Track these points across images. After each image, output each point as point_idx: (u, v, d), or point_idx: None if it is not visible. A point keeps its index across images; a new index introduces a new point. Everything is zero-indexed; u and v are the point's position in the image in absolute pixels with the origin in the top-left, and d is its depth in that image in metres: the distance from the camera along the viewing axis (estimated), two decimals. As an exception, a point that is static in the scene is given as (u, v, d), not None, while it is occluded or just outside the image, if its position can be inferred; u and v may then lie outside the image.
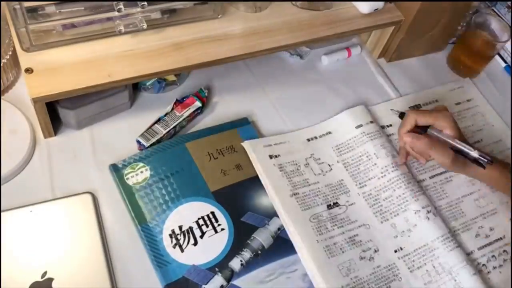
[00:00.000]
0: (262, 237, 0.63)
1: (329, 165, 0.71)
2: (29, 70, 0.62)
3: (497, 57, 0.93)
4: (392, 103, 0.81)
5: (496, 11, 0.92)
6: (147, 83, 0.73)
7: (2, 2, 0.64)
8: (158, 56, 0.67)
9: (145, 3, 0.65)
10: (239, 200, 0.65)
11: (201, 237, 0.62)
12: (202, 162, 0.68)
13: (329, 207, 0.67)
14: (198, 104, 0.72)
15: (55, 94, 0.61)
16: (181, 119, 0.70)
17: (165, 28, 0.70)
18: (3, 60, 0.67)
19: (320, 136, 0.74)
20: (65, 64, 0.64)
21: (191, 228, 0.62)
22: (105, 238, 0.61)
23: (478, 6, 0.89)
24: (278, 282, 0.61)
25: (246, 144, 0.70)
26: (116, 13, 0.64)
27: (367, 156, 0.72)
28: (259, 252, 0.62)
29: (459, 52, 0.88)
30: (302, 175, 0.69)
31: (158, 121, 0.69)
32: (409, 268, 0.65)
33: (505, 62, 0.92)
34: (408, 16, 0.79)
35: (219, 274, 0.60)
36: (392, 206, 0.69)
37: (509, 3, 0.90)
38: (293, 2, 0.76)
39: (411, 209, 0.68)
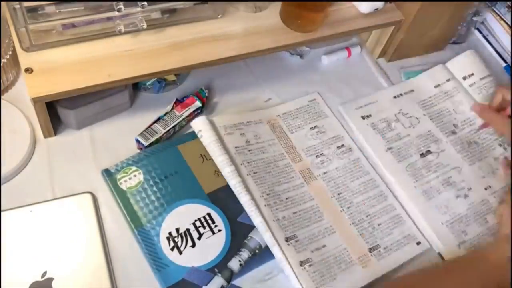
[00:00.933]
0: (259, 237, 0.63)
1: (416, 118, 0.79)
2: (29, 70, 0.62)
3: (496, 56, 0.93)
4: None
5: (496, 11, 0.92)
6: (147, 83, 0.73)
7: (2, 2, 0.64)
8: (158, 56, 0.67)
9: (145, 3, 0.65)
10: (234, 200, 0.65)
11: (199, 238, 0.62)
12: (195, 164, 0.68)
13: (422, 155, 0.75)
14: (198, 104, 0.72)
15: (55, 94, 0.61)
16: (180, 118, 0.70)
17: (165, 28, 0.70)
18: (3, 60, 0.67)
19: (405, 93, 0.81)
20: (65, 64, 0.64)
21: (188, 230, 0.62)
22: (105, 238, 0.61)
23: (478, 5, 0.89)
24: (277, 280, 0.62)
25: (341, 108, 0.77)
26: (116, 13, 0.64)
27: (447, 111, 0.80)
28: (257, 251, 0.63)
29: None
30: (393, 130, 0.77)
31: (157, 120, 0.69)
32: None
33: (505, 61, 0.92)
34: (408, 16, 0.79)
35: (219, 275, 0.60)
36: (476, 152, 0.77)
37: (509, 3, 0.90)
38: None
39: (491, 156, 0.77)
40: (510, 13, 0.91)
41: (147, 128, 0.69)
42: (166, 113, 0.70)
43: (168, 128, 0.69)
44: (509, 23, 0.90)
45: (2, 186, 0.62)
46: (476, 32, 0.95)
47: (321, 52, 0.85)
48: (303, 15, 0.73)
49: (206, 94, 0.74)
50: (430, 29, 0.83)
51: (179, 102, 0.72)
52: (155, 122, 0.69)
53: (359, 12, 0.78)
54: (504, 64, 0.92)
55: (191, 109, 0.71)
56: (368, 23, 0.78)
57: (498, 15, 0.92)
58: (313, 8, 0.72)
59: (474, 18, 0.90)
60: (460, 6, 0.82)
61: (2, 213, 0.59)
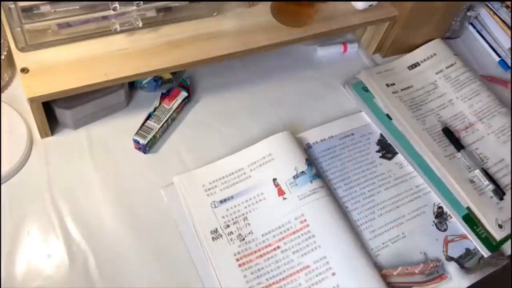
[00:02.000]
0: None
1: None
2: (24, 70, 0.62)
3: (490, 51, 0.93)
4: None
5: (490, 6, 0.92)
6: (143, 82, 0.73)
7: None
8: (154, 54, 0.67)
9: (141, 1, 0.65)
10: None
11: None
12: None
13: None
14: (184, 93, 0.72)
15: (51, 94, 0.61)
16: (171, 111, 0.70)
17: (161, 27, 0.70)
18: (-2, 60, 0.67)
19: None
20: (61, 64, 0.63)
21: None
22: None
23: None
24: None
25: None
26: (111, 12, 0.64)
27: None
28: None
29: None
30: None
31: (149, 117, 0.70)
32: None
33: (499, 56, 0.92)
34: (402, 11, 0.79)
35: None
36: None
37: (508, 3, 0.91)
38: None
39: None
40: (505, 10, 0.91)
41: (141, 127, 0.69)
42: (155, 109, 0.71)
43: (162, 122, 0.69)
44: (503, 18, 0.91)
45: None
46: (470, 27, 0.96)
47: (317, 50, 0.85)
48: (292, 10, 0.73)
49: (188, 82, 0.75)
50: (424, 24, 0.84)
51: (165, 95, 0.72)
52: (147, 119, 0.69)
53: (354, 8, 0.78)
54: (498, 59, 0.92)
55: (179, 99, 0.72)
56: (363, 19, 0.78)
57: (492, 10, 0.92)
58: (301, 2, 0.72)
59: (468, 13, 0.91)
60: (454, 2, 0.82)
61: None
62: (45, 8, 0.62)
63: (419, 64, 0.85)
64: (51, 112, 0.67)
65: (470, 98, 0.82)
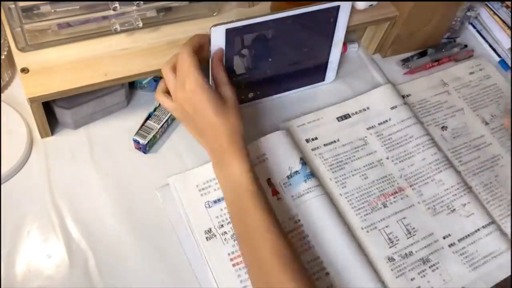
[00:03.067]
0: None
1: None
2: (25, 70, 0.62)
3: (490, 51, 0.93)
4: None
5: (490, 6, 0.92)
6: (143, 82, 0.73)
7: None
8: (154, 54, 0.67)
9: (141, 1, 0.65)
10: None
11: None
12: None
13: None
14: None
15: (51, 94, 0.61)
16: None
17: (161, 26, 0.70)
18: (-1, 60, 0.67)
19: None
20: (61, 64, 0.63)
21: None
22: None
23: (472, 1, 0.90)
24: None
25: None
26: (111, 12, 0.64)
27: None
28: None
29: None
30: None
31: (149, 117, 0.70)
32: None
33: (499, 56, 0.92)
34: (402, 11, 0.79)
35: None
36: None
37: (508, 3, 0.91)
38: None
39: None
40: (505, 10, 0.91)
41: (141, 127, 0.69)
42: (155, 109, 0.70)
43: (162, 122, 0.69)
44: (503, 18, 0.91)
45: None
46: (470, 27, 0.96)
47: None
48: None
49: None
50: (424, 24, 0.83)
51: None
52: (147, 119, 0.69)
53: (354, 9, 0.78)
54: (499, 59, 0.92)
55: None
56: (363, 19, 0.78)
57: (492, 10, 0.92)
58: (301, 2, 0.72)
59: (468, 13, 0.90)
60: (454, 2, 0.82)
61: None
62: (45, 8, 0.62)
63: (350, 116, 0.76)
64: (51, 112, 0.67)
65: (401, 160, 0.73)
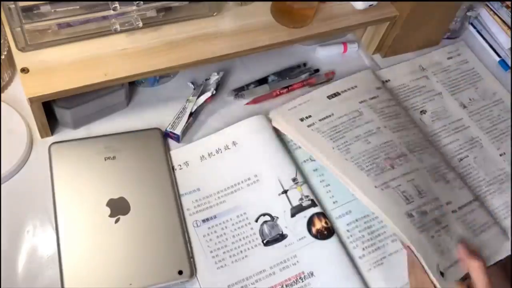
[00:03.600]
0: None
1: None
2: (25, 70, 0.62)
3: (490, 51, 0.93)
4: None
5: (490, 6, 0.92)
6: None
7: (-2, 2, 0.64)
8: (154, 54, 0.67)
9: (141, 1, 0.65)
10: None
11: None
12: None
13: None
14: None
15: (51, 94, 0.61)
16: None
17: (161, 26, 0.70)
18: (-1, 60, 0.67)
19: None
20: (61, 64, 0.63)
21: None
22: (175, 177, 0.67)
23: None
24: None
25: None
26: (111, 12, 0.64)
27: None
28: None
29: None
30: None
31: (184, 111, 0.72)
32: None
33: (499, 56, 0.92)
34: (402, 11, 0.79)
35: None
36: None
37: (508, 3, 0.91)
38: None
39: None
40: (505, 10, 0.91)
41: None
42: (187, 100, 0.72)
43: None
44: (503, 18, 0.91)
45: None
46: (470, 27, 0.96)
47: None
48: (292, 10, 0.73)
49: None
50: (424, 24, 0.84)
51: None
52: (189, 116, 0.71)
53: (354, 8, 0.78)
54: (498, 59, 0.92)
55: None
56: (363, 19, 0.78)
57: (492, 10, 0.92)
58: (301, 2, 0.72)
59: (468, 13, 0.90)
60: (454, 2, 0.82)
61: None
62: (45, 8, 0.62)
63: (339, 94, 0.76)
64: (51, 112, 0.67)
65: (398, 130, 0.72)
